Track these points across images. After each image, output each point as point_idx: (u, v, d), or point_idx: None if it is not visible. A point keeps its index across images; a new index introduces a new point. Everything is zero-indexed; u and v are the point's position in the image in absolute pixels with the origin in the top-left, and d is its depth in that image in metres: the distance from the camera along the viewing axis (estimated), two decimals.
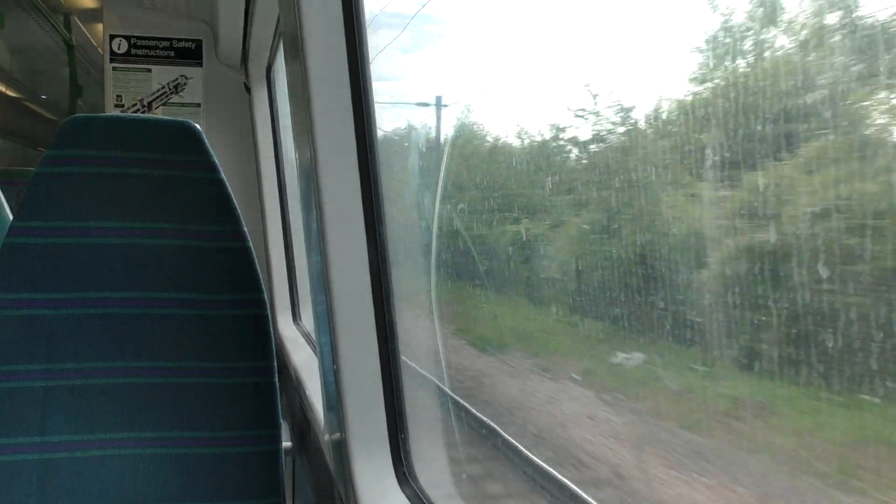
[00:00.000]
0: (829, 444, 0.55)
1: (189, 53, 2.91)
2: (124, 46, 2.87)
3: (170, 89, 2.90)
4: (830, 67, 0.50)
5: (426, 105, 1.39)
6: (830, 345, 0.51)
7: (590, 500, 0.95)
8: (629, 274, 0.75)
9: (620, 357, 0.79)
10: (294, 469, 1.99)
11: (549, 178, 0.96)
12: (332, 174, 1.12)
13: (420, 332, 1.32)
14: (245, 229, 1.43)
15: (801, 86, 0.53)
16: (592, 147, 0.88)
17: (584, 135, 0.88)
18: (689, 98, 0.69)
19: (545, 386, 1.06)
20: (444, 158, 1.30)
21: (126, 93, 2.89)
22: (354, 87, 1.13)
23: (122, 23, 2.87)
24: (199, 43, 2.91)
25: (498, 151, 1.15)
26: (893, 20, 0.46)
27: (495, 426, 1.15)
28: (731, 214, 0.63)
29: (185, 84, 2.91)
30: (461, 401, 1.23)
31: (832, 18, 0.52)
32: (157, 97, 2.90)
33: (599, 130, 0.84)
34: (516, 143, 1.08)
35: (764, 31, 0.60)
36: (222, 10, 2.52)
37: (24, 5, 6.59)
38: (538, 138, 0.99)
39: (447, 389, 1.26)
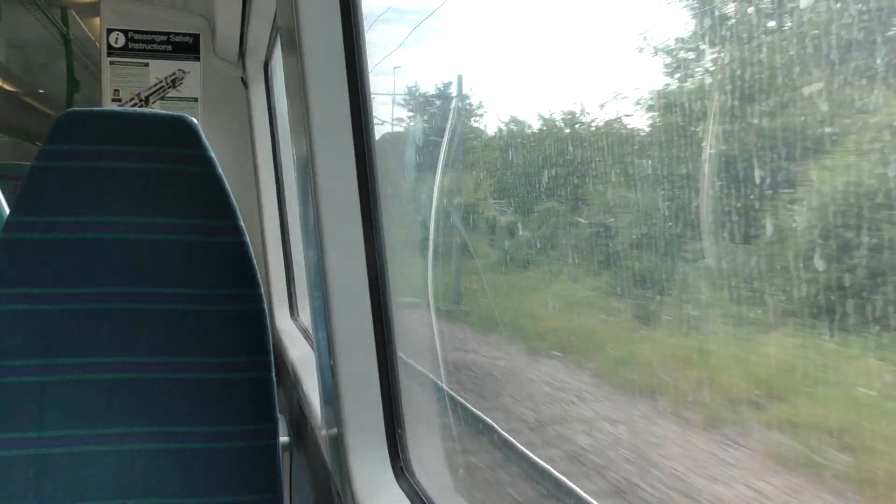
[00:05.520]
0: None
1: (186, 48, 2.89)
2: (121, 40, 2.86)
3: (167, 84, 2.89)
4: None
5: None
6: None
7: (587, 496, 0.94)
8: None
9: None
10: (291, 464, 1.99)
11: None
12: (328, 168, 1.12)
13: None
14: (242, 224, 1.43)
15: None
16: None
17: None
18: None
19: None
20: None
21: (123, 87, 2.88)
22: (351, 81, 1.13)
23: (119, 17, 2.86)
24: (196, 37, 2.90)
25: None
26: None
27: None
28: None
29: (182, 78, 2.90)
30: None
31: None
32: (155, 91, 2.89)
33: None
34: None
35: None
36: (219, 5, 2.51)
37: None
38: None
39: None
